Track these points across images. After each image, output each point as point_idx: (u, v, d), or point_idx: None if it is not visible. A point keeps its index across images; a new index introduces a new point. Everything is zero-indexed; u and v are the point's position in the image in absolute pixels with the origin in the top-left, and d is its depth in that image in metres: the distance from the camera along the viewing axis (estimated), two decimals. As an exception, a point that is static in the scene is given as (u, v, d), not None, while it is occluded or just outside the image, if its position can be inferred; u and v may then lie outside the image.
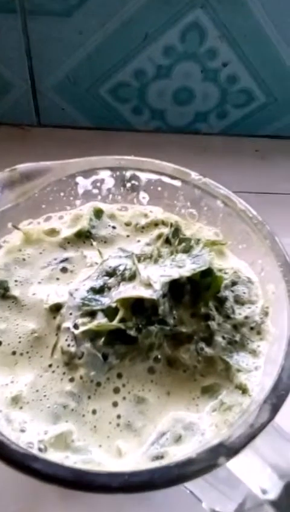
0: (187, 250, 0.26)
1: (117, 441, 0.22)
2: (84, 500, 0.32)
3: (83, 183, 0.29)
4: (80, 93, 0.54)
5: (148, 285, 0.24)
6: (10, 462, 0.18)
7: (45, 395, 0.23)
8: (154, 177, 0.29)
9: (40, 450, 0.21)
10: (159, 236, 0.29)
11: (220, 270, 0.26)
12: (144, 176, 0.29)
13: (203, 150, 0.56)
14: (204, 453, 0.19)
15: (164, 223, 0.29)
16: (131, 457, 0.21)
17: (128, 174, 0.29)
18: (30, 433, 0.21)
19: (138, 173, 0.29)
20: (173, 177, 0.28)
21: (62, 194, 0.29)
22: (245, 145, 0.57)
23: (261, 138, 0.57)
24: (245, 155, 0.56)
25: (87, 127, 0.57)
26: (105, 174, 0.29)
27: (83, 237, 0.29)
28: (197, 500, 0.25)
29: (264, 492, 0.22)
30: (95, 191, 0.30)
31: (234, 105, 0.55)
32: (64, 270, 0.27)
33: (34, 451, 0.20)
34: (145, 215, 0.30)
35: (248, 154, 0.56)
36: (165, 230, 0.28)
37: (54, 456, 0.21)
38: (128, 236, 0.30)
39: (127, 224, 0.30)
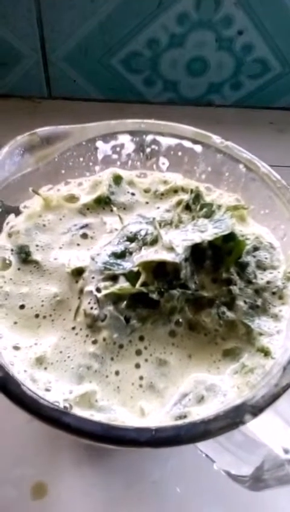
0: (209, 215, 0.26)
1: (140, 401, 0.22)
2: (99, 466, 0.33)
3: (103, 148, 0.28)
4: (91, 64, 0.53)
5: (171, 249, 0.24)
6: (41, 416, 0.18)
7: (68, 356, 0.23)
8: (174, 141, 0.28)
9: (65, 408, 0.21)
10: (179, 202, 0.28)
11: (242, 236, 0.26)
12: (164, 141, 0.28)
13: (216, 122, 0.55)
14: (230, 410, 0.19)
15: (183, 190, 0.29)
16: (154, 416, 0.22)
17: (148, 138, 0.28)
18: (55, 393, 0.22)
19: (158, 137, 0.28)
20: (194, 141, 0.28)
21: (82, 159, 0.29)
22: (260, 117, 0.56)
23: (276, 110, 0.56)
24: (260, 127, 0.55)
25: (99, 99, 0.56)
26: (125, 139, 0.28)
27: (103, 203, 0.29)
28: (213, 462, 0.26)
29: (286, 451, 0.22)
30: (115, 156, 0.29)
31: (248, 75, 0.54)
32: (84, 236, 0.27)
33: (60, 409, 0.21)
34: (165, 182, 0.30)
35: (262, 126, 0.55)
36: (185, 197, 0.28)
37: (80, 414, 0.21)
38: (147, 203, 0.29)
39: (146, 191, 0.30)
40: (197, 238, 0.24)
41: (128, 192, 0.29)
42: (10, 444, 0.33)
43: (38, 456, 0.33)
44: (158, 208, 0.29)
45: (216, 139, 0.27)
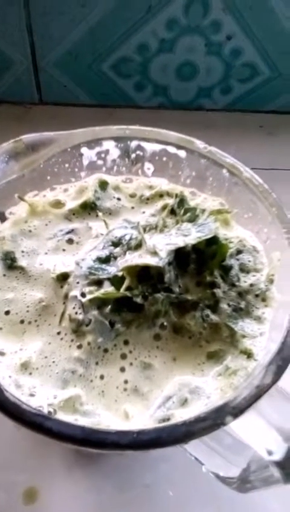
0: (193, 220, 0.26)
1: (124, 405, 0.23)
2: (90, 470, 0.33)
3: (88, 154, 0.29)
4: (82, 69, 0.54)
5: (154, 253, 0.24)
6: (23, 421, 0.18)
7: (53, 361, 0.23)
8: (159, 147, 0.29)
9: (49, 413, 0.21)
10: (164, 207, 0.29)
11: (226, 240, 0.26)
12: (149, 147, 0.29)
13: (206, 126, 0.55)
14: (212, 412, 0.19)
15: (168, 194, 0.30)
16: (138, 420, 0.22)
17: (133, 144, 0.29)
18: (39, 398, 0.22)
19: (142, 143, 0.29)
20: (178, 147, 0.28)
21: (67, 165, 0.29)
22: (249, 120, 0.56)
23: (266, 114, 0.57)
24: (249, 131, 0.56)
25: (90, 104, 0.57)
26: (110, 145, 0.29)
27: (88, 209, 0.29)
28: (201, 465, 0.26)
29: (270, 453, 0.22)
30: (100, 162, 0.30)
31: (238, 79, 0.54)
32: (70, 241, 0.28)
33: (44, 413, 0.21)
34: (150, 187, 0.30)
35: (252, 130, 0.56)
36: (170, 201, 0.29)
37: (64, 419, 0.21)
38: (133, 207, 0.30)
39: (132, 195, 0.30)
40: (180, 242, 0.25)
41: (114, 197, 0.30)
42: (1, 449, 0.33)
43: (29, 461, 0.33)
44: (144, 212, 0.29)
45: (199, 144, 0.28)
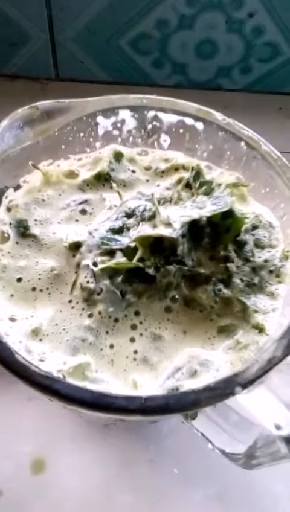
0: (208, 193, 0.26)
1: (133, 374, 0.22)
2: (96, 444, 0.33)
3: (103, 124, 0.28)
4: (99, 45, 0.53)
5: (168, 224, 0.24)
6: (32, 383, 0.18)
7: (64, 329, 0.23)
8: (176, 118, 0.28)
9: (59, 378, 0.21)
10: (179, 180, 0.28)
11: (241, 215, 0.26)
12: (166, 117, 0.28)
13: (224, 106, 0.54)
14: (221, 381, 0.19)
15: (184, 168, 0.29)
16: (147, 389, 0.22)
17: (149, 114, 0.28)
18: (49, 363, 0.22)
19: (159, 114, 0.28)
20: (196, 119, 0.27)
21: (82, 134, 0.29)
22: (269, 102, 0.55)
23: (286, 96, 0.56)
24: (268, 113, 0.54)
25: (106, 81, 0.56)
26: (126, 114, 0.28)
27: (102, 180, 0.29)
28: (208, 441, 0.26)
29: (278, 428, 0.22)
30: (116, 132, 0.29)
31: (258, 59, 0.53)
32: (83, 211, 0.28)
33: (53, 378, 0.21)
34: (166, 160, 0.30)
35: (271, 111, 0.54)
36: (186, 175, 0.28)
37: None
38: (147, 180, 0.29)
39: (147, 168, 0.30)
40: (195, 214, 0.24)
41: (128, 169, 0.29)
42: (11, 421, 0.34)
43: (38, 432, 0.33)
44: (158, 185, 0.29)
45: (218, 116, 0.27)
